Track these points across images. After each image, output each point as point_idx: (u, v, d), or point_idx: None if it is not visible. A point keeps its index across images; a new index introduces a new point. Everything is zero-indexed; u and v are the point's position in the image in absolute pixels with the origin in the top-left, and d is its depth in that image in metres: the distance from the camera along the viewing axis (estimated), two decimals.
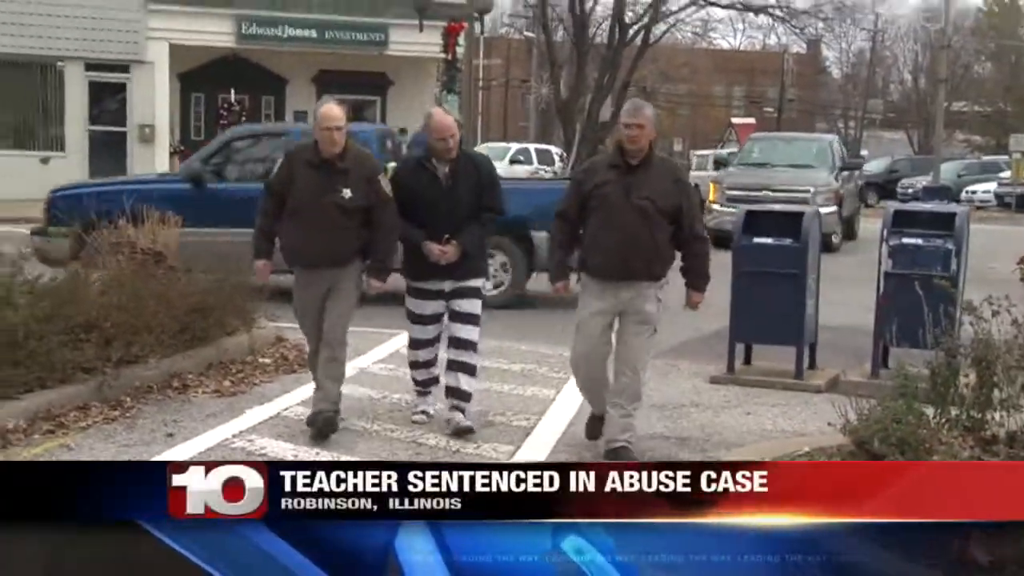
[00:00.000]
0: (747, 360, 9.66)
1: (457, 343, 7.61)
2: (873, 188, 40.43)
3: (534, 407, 8.31)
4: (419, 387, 7.96)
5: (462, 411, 7.58)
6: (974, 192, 38.78)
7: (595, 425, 7.27)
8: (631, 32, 41.22)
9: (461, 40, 27.13)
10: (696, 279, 7.06)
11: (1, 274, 8.17)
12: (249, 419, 7.82)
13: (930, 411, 6.31)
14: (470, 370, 7.63)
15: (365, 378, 9.15)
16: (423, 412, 7.87)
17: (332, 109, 7.21)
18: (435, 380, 7.88)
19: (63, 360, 7.78)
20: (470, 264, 7.57)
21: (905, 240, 9.07)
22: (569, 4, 42.23)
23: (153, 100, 28.09)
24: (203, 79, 30.21)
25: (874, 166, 47.47)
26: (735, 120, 59.94)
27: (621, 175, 6.81)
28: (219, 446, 7.19)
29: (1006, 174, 37.73)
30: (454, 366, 7.61)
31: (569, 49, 44.92)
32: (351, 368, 9.43)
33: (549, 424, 7.91)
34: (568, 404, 8.34)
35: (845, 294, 12.48)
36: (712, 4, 43.41)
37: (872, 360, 9.11)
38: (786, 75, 64.10)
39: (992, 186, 38.24)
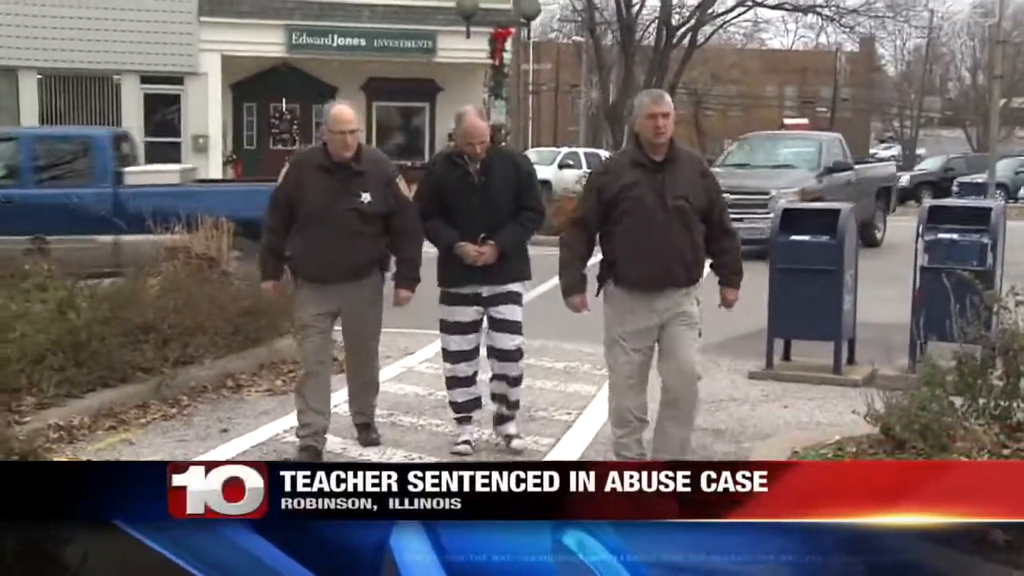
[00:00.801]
0: (786, 356, 9.88)
1: (500, 354, 7.17)
2: (928, 187, 40.35)
3: (575, 403, 8.59)
4: (459, 412, 7.33)
5: (512, 419, 7.36)
6: None
7: None
8: (678, 35, 41.47)
9: (508, 46, 27.55)
10: (731, 276, 6.64)
11: (64, 280, 8.61)
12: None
13: (959, 401, 6.53)
14: (516, 381, 7.27)
15: (412, 376, 9.52)
16: (465, 443, 7.28)
17: (344, 111, 6.75)
18: (477, 403, 7.33)
19: (123, 361, 8.23)
20: (509, 266, 7.05)
21: (940, 235, 9.27)
22: (616, 8, 42.55)
23: (206, 110, 28.64)
24: (255, 89, 30.76)
25: (929, 164, 47.42)
26: (787, 121, 59.68)
27: (650, 174, 6.26)
28: (271, 440, 7.55)
29: None
30: (500, 377, 7.26)
31: (617, 52, 45.15)
32: (398, 367, 9.85)
33: (589, 419, 8.17)
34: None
35: (886, 291, 12.65)
36: (759, 5, 43.52)
37: (909, 354, 9.28)
38: (839, 74, 63.88)
39: None
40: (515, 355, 7.17)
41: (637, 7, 43.06)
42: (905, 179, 45.03)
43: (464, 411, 7.31)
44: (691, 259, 6.35)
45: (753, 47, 60.26)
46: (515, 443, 7.26)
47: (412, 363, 10.04)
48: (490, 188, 6.96)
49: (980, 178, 34.81)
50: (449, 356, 7.21)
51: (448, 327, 7.14)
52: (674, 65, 42.53)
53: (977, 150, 56.92)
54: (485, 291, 7.03)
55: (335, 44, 28.71)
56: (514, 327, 7.12)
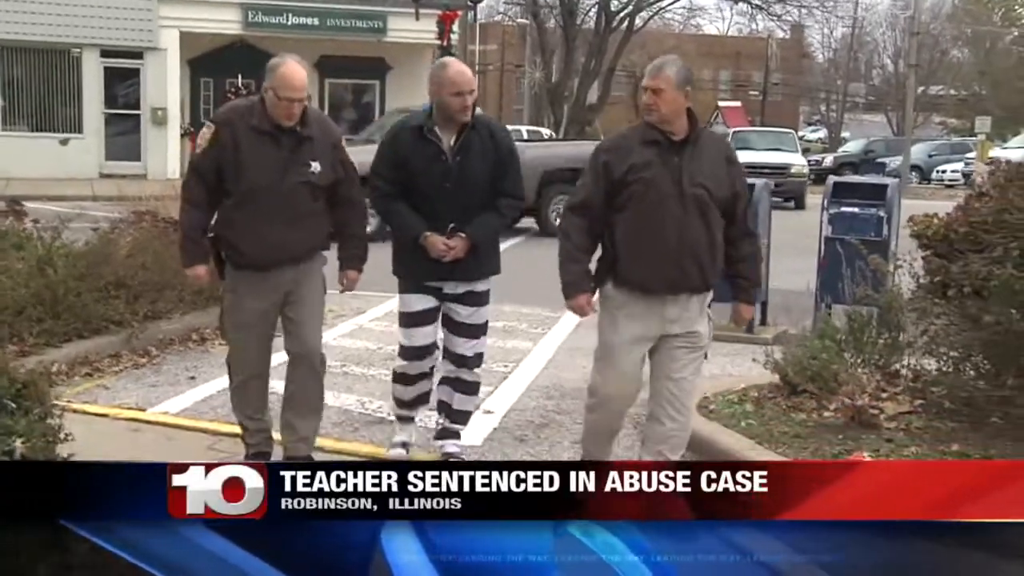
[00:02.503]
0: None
1: (456, 359, 6.04)
2: (849, 167, 41.26)
3: (512, 357, 9.09)
4: (401, 410, 6.26)
5: (455, 435, 6.25)
6: (943, 172, 39.76)
7: None
8: (617, 19, 42.05)
9: (455, 27, 27.93)
10: (749, 287, 5.49)
11: (43, 238, 9.00)
12: None
13: (849, 354, 7.14)
14: (471, 389, 6.17)
15: (363, 333, 10.00)
16: (402, 444, 6.23)
17: (296, 74, 5.31)
18: (424, 399, 6.26)
19: (97, 314, 8.60)
20: (479, 261, 5.86)
21: (843, 209, 9.91)
22: None
23: (165, 85, 28.79)
24: (212, 64, 30.88)
25: (852, 146, 48.50)
26: (721, 103, 60.43)
27: (665, 154, 5.03)
28: None
29: (973, 154, 38.55)
30: (450, 383, 6.14)
31: (559, 35, 45.65)
32: (351, 324, 10.33)
33: (524, 371, 8.70)
34: (543, 354, 9.18)
35: (800, 262, 13.25)
36: None
37: (813, 316, 9.90)
38: (770, 60, 64.63)
39: (960, 166, 39.09)
40: (473, 362, 6.06)
41: None
42: (829, 160, 46.13)
43: (407, 409, 6.26)
44: (708, 259, 5.10)
45: (689, 32, 60.88)
46: (453, 452, 6.21)
47: (363, 321, 10.52)
48: (466, 170, 5.71)
49: (898, 160, 35.79)
50: (409, 352, 6.03)
51: (408, 319, 5.98)
52: (613, 48, 43.11)
53: (897, 134, 58.11)
54: (448, 287, 5.88)
55: (289, 23, 28.92)
56: (477, 331, 5.99)
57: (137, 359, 8.59)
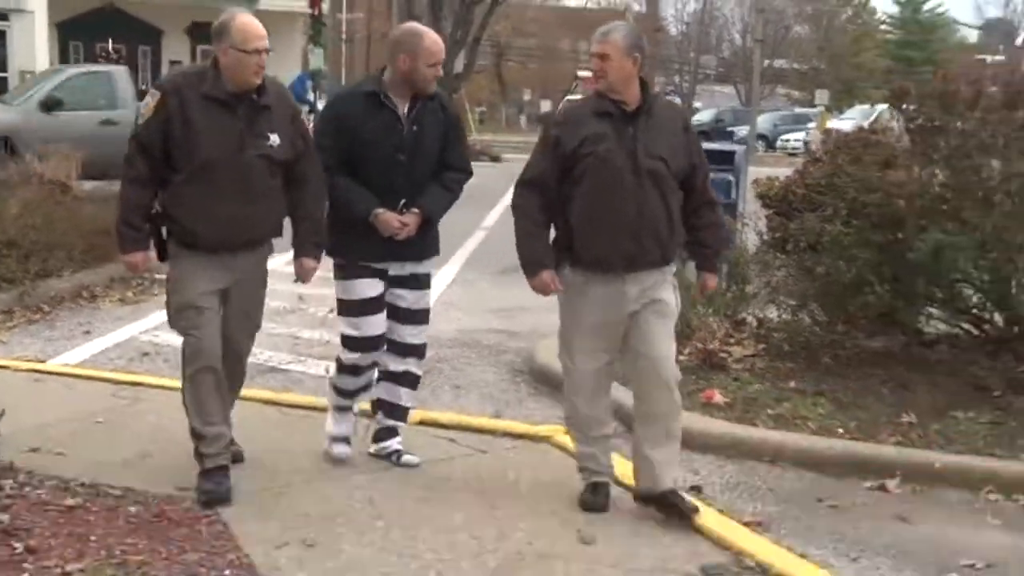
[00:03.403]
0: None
1: (403, 350, 5.31)
2: (702, 135, 42.17)
3: None
4: (341, 399, 5.47)
5: (397, 433, 5.50)
6: (787, 140, 41.15)
7: (602, 493, 4.99)
8: None
9: None
10: (713, 256, 5.08)
11: None
12: (153, 321, 8.70)
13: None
14: (415, 383, 5.48)
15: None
16: (344, 441, 5.49)
17: (254, 22, 4.78)
18: (367, 387, 5.47)
19: None
20: (424, 242, 5.23)
21: None
22: None
23: (33, 47, 27.95)
24: (81, 28, 30.20)
25: (703, 116, 49.49)
26: (580, 73, 61.22)
27: (618, 126, 4.66)
28: (129, 340, 8.14)
29: (813, 124, 39.92)
30: (395, 378, 5.38)
31: (426, 5, 45.63)
32: None
33: None
34: None
35: None
36: None
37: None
38: None
39: (802, 135, 40.44)
40: (421, 351, 5.40)
41: None
42: None
43: (348, 399, 5.47)
44: (667, 233, 4.74)
45: (551, 4, 61.37)
46: (407, 459, 5.44)
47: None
48: (421, 141, 5.10)
49: (745, 129, 36.87)
50: (361, 343, 5.23)
51: (353, 308, 5.19)
52: (478, 20, 43.30)
53: (745, 104, 59.60)
54: (393, 269, 5.20)
55: None
56: (423, 317, 5.36)
57: (30, 315, 8.69)
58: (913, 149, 6.85)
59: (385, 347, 5.29)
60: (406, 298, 5.26)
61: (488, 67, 53.41)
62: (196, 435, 4.88)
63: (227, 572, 4.01)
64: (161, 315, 8.69)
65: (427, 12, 46.14)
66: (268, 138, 4.79)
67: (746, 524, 4.92)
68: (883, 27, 69.46)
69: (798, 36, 67.04)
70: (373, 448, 5.50)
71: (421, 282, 5.32)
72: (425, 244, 5.26)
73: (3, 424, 4.92)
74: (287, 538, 4.41)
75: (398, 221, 5.07)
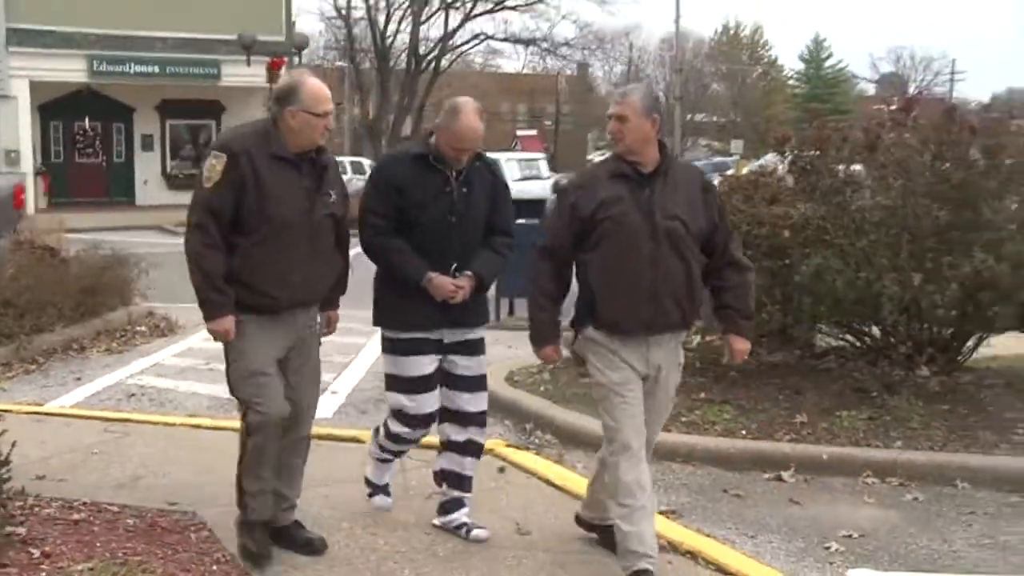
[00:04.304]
0: (510, 311, 11.37)
1: (464, 419, 4.78)
2: None
3: (351, 349, 9.71)
4: (385, 453, 5.08)
5: (464, 504, 4.90)
6: None
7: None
8: (425, 61, 43.01)
9: (283, 71, 28.27)
10: (742, 320, 4.50)
11: None
12: (136, 367, 9.03)
13: None
14: (479, 452, 4.91)
15: None
16: (385, 491, 5.17)
17: (321, 86, 4.38)
18: (415, 442, 5.00)
19: None
20: (477, 306, 4.77)
21: None
22: (372, 39, 43.75)
23: (17, 128, 28.19)
24: (60, 109, 30.41)
25: None
26: (519, 132, 61.95)
27: (634, 188, 4.26)
28: (117, 384, 8.40)
29: (731, 171, 40.70)
30: (459, 448, 4.82)
31: (374, 76, 46.26)
32: (203, 335, 10.74)
33: (362, 359, 9.36)
34: (374, 346, 9.80)
35: None
36: (490, 38, 45.52)
37: None
38: (560, 94, 66.43)
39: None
40: (482, 419, 4.84)
41: (391, 39, 44.38)
42: None
43: (390, 455, 5.11)
44: (686, 295, 4.31)
45: (489, 71, 62.08)
46: (477, 533, 4.82)
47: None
48: (470, 203, 4.65)
49: None
50: (408, 420, 4.75)
51: (406, 385, 4.70)
52: (423, 87, 43.99)
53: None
54: (447, 336, 4.70)
55: (132, 71, 28.72)
56: (481, 383, 4.81)
57: (27, 366, 8.92)
58: (795, 187, 7.33)
59: (437, 421, 4.79)
60: (462, 365, 4.73)
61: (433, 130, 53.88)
62: (242, 492, 4.52)
63: (215, 567, 4.33)
64: (144, 363, 9.12)
65: (376, 83, 46.93)
66: (331, 196, 4.44)
67: (662, 513, 5.27)
68: (791, 82, 71.00)
69: (715, 92, 68.30)
70: (439, 521, 4.91)
71: (476, 347, 4.78)
72: (478, 309, 4.79)
73: (11, 456, 5.16)
74: None
75: (452, 284, 4.58)
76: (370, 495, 5.15)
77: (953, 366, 7.26)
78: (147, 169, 31.11)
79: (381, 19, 43.87)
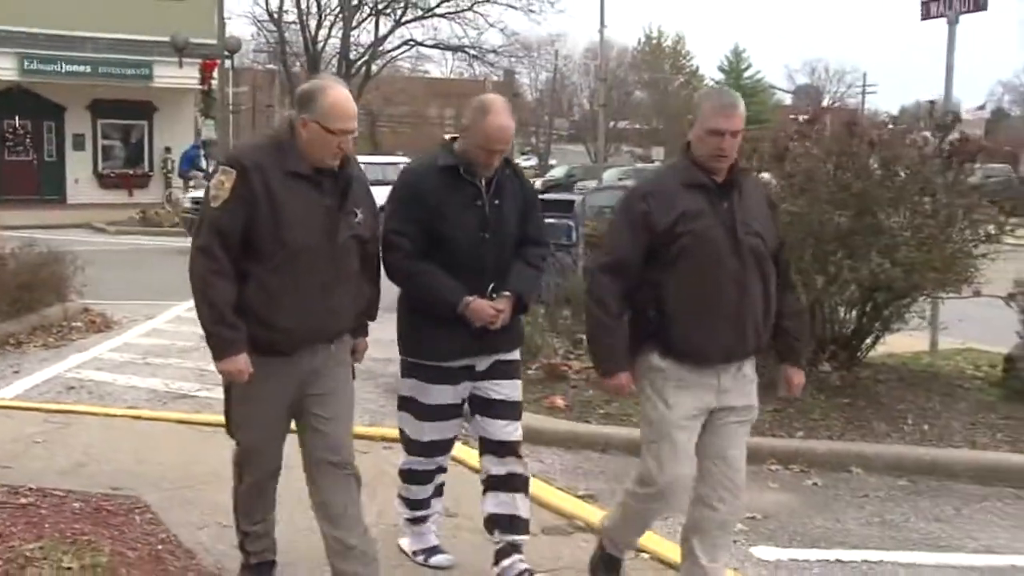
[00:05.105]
0: None
1: (503, 449, 4.24)
2: (556, 188, 43.52)
3: None
4: (415, 510, 4.53)
5: (520, 549, 4.31)
6: None
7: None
8: (355, 66, 43.05)
9: (215, 73, 28.13)
10: (799, 347, 4.11)
11: None
12: (74, 361, 9.05)
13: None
14: (526, 485, 4.33)
15: (157, 333, 10.56)
16: (433, 552, 4.52)
17: (348, 96, 3.74)
18: (440, 490, 4.56)
19: None
20: (512, 327, 4.20)
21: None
22: (303, 43, 43.66)
23: None
24: None
25: (557, 172, 50.96)
26: (447, 136, 61.79)
27: (714, 201, 3.76)
28: (55, 377, 8.43)
29: None
30: (503, 484, 4.25)
31: (305, 79, 46.11)
32: (146, 327, 10.84)
33: None
34: None
35: None
36: (419, 44, 45.62)
37: None
38: None
39: None
40: (519, 447, 4.29)
41: (322, 44, 44.31)
42: (539, 183, 48.39)
43: (423, 509, 4.51)
44: (764, 319, 3.87)
45: (418, 75, 62.12)
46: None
47: (156, 324, 11.04)
48: (502, 217, 4.12)
49: (594, 183, 37.96)
50: (420, 448, 4.31)
51: (423, 412, 4.23)
52: (353, 91, 43.86)
53: (594, 161, 61.13)
54: (481, 364, 4.20)
55: (63, 70, 28.31)
56: (518, 410, 4.30)
57: None
58: None
59: (448, 456, 4.40)
60: (501, 388, 4.20)
61: (363, 132, 53.86)
62: (241, 533, 4.19)
63: (159, 547, 4.50)
64: (81, 357, 9.16)
65: None
66: (356, 215, 3.81)
67: (579, 497, 5.58)
68: None
69: (639, 100, 69.10)
70: (496, 571, 4.30)
71: (512, 371, 4.26)
72: (512, 330, 4.20)
73: None
74: (207, 521, 4.91)
75: (492, 308, 4.04)
76: (426, 559, 4.46)
77: (852, 362, 7.63)
78: (78, 168, 30.70)
79: (312, 24, 43.79)
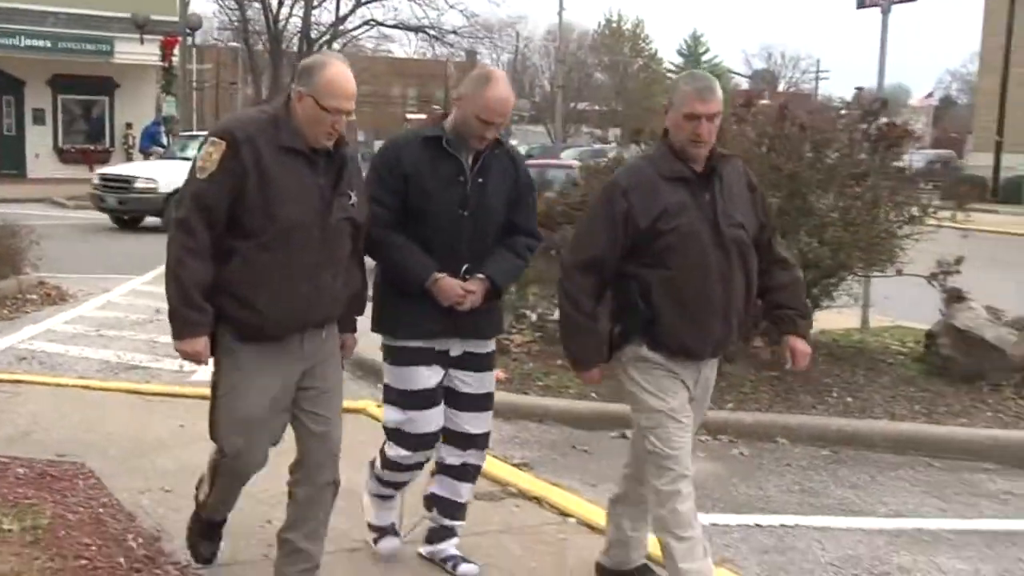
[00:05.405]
0: None
1: (464, 441, 4.11)
2: None
3: None
4: (384, 487, 4.26)
5: (455, 534, 4.26)
6: None
7: None
8: (317, 44, 42.83)
9: (176, 50, 27.93)
10: (798, 320, 3.90)
11: None
12: (27, 333, 9.05)
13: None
14: (476, 474, 4.25)
15: (112, 305, 10.55)
16: (391, 532, 4.34)
17: (348, 74, 3.47)
18: (414, 477, 4.25)
19: None
20: (491, 315, 4.04)
21: None
22: (265, 22, 43.39)
23: None
24: None
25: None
26: (409, 116, 61.90)
27: (695, 192, 3.62)
28: (8, 348, 8.44)
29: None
30: (453, 472, 4.16)
31: (267, 57, 45.83)
32: (101, 300, 10.84)
33: None
34: None
35: None
36: (380, 24, 45.48)
37: None
38: (449, 79, 66.48)
39: None
40: (484, 440, 4.18)
41: (283, 23, 44.04)
42: None
43: (390, 488, 4.27)
44: (744, 310, 3.78)
45: (381, 55, 61.86)
46: (465, 569, 4.18)
47: (111, 297, 11.04)
48: (486, 196, 3.91)
49: (555, 161, 38.08)
50: (407, 440, 4.01)
51: (407, 399, 3.97)
52: None
53: (554, 141, 61.25)
54: (455, 348, 4.00)
55: (23, 44, 27.95)
56: (487, 402, 4.14)
57: None
58: None
59: (437, 445, 4.09)
60: (469, 382, 4.03)
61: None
62: (209, 513, 3.98)
63: (101, 510, 4.57)
64: (35, 329, 9.17)
65: (268, 64, 46.45)
66: (349, 196, 3.60)
67: (515, 465, 5.71)
68: (669, 75, 72.37)
69: (598, 82, 69.23)
70: (425, 550, 4.28)
71: (485, 363, 4.07)
72: (491, 319, 4.04)
73: None
74: (149, 486, 4.99)
75: (461, 288, 3.83)
76: (375, 540, 4.31)
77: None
78: (38, 143, 30.36)
79: (274, 2, 43.44)
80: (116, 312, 10.14)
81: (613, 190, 3.67)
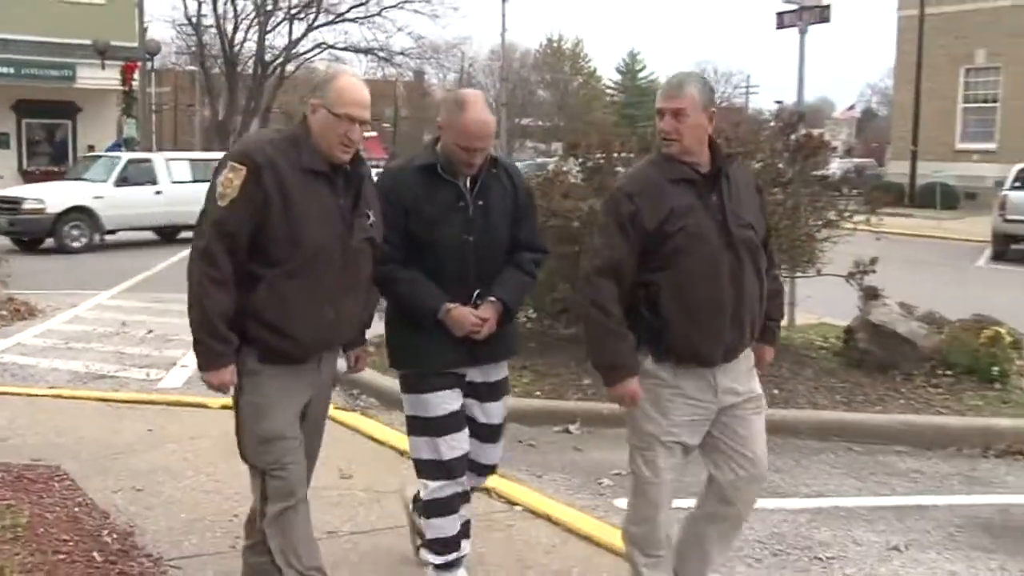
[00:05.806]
0: None
1: (480, 470, 3.90)
2: None
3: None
4: (449, 553, 3.80)
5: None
6: None
7: None
8: (271, 67, 42.82)
9: (136, 75, 27.72)
10: (775, 327, 3.74)
11: None
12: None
13: None
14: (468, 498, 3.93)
15: (79, 320, 10.51)
16: None
17: (359, 85, 3.38)
18: (467, 527, 3.90)
19: None
20: (505, 337, 3.76)
21: None
22: (221, 46, 43.27)
23: None
24: None
25: None
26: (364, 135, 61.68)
27: (701, 193, 3.40)
28: None
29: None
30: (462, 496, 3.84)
31: (224, 80, 45.63)
32: (68, 315, 10.78)
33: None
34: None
35: None
36: (331, 47, 45.45)
37: None
38: (398, 98, 66.47)
39: None
40: (494, 470, 4.05)
41: (238, 47, 43.95)
42: None
43: (454, 550, 3.82)
44: (758, 313, 3.53)
45: None
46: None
47: (79, 312, 10.98)
48: (489, 219, 3.65)
49: None
50: (439, 469, 3.68)
51: (432, 426, 3.66)
52: (269, 91, 43.68)
53: None
54: (473, 374, 3.74)
55: None
56: (501, 431, 3.95)
57: None
58: (584, 184, 7.94)
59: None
60: (484, 411, 3.81)
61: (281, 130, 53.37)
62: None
63: (76, 509, 4.63)
64: (5, 343, 9.13)
65: (225, 87, 46.22)
66: (368, 216, 3.42)
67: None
68: (608, 91, 72.91)
69: (541, 99, 69.51)
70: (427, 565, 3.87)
71: (501, 389, 3.87)
72: (506, 342, 3.76)
73: None
74: (121, 486, 5.04)
75: (475, 317, 3.59)
76: None
77: None
78: (3, 165, 29.85)
79: (229, 28, 43.34)
80: (84, 326, 10.10)
81: (618, 195, 3.46)
